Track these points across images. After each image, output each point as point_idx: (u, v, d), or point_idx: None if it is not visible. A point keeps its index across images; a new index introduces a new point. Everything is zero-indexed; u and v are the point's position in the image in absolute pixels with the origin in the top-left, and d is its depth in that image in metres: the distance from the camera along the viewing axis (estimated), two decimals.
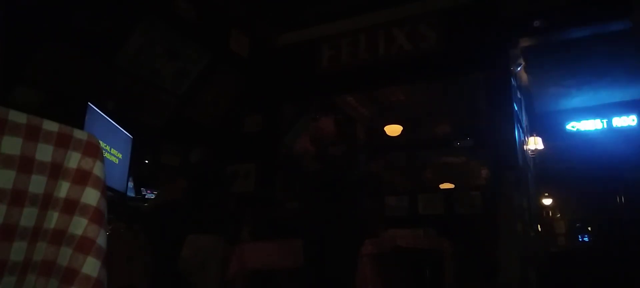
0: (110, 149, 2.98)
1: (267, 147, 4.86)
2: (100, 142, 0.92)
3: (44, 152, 0.82)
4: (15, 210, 0.78)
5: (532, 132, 5.95)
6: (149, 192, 3.89)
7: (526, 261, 3.77)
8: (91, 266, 0.82)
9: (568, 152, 6.76)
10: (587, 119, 6.99)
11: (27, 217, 0.79)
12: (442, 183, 6.96)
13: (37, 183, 0.81)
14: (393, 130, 6.89)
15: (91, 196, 0.86)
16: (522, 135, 4.93)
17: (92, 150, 0.88)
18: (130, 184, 3.56)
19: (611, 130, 6.81)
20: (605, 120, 6.90)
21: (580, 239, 8.16)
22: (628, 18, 3.63)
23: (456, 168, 6.36)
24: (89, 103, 2.79)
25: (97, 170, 0.87)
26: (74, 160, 0.86)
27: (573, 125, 7.11)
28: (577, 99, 6.62)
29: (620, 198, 7.10)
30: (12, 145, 0.78)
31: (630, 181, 6.53)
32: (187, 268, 3.13)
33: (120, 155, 3.16)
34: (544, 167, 6.45)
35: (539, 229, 5.74)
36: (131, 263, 2.65)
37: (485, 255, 3.83)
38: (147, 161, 4.43)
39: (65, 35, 3.22)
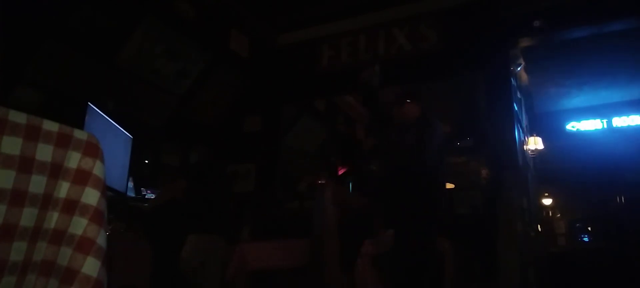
0: None
1: (267, 147, 4.86)
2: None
3: (44, 152, 0.82)
4: (15, 210, 0.78)
5: (532, 132, 5.95)
6: (149, 192, 3.89)
7: (526, 261, 3.77)
8: (91, 266, 0.82)
9: (568, 152, 6.76)
10: (587, 119, 7.00)
11: (27, 217, 0.79)
12: None
13: (37, 183, 0.81)
14: None
15: (91, 196, 0.86)
16: (522, 135, 4.93)
17: (92, 150, 0.88)
18: (130, 184, 3.56)
19: (611, 130, 6.82)
20: (605, 120, 6.90)
21: (580, 239, 8.16)
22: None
23: (456, 168, 6.36)
24: (89, 103, 2.79)
25: (97, 170, 0.88)
26: (74, 160, 0.86)
27: (573, 125, 7.12)
28: (577, 99, 6.63)
29: (620, 199, 7.10)
30: (12, 145, 0.78)
31: (630, 181, 6.53)
32: (187, 268, 3.12)
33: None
34: (544, 167, 6.45)
35: (539, 229, 5.74)
36: (131, 263, 2.64)
37: (485, 255, 3.82)
38: (147, 161, 4.43)
39: (66, 35, 3.22)
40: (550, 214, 8.58)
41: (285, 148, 5.36)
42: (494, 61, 4.06)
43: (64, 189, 0.84)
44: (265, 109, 4.99)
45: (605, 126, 6.90)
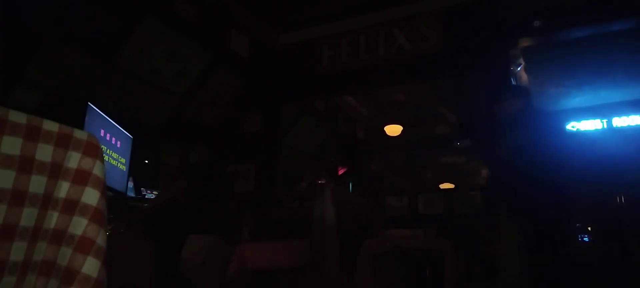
0: (113, 155, 2.98)
1: (267, 147, 4.86)
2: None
3: (44, 152, 0.82)
4: (15, 210, 0.78)
5: None
6: (149, 192, 3.90)
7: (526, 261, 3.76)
8: (91, 266, 0.82)
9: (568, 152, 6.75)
10: (587, 119, 6.99)
11: (27, 217, 0.79)
12: (442, 183, 6.97)
13: (37, 183, 0.81)
14: (393, 130, 6.90)
15: (91, 196, 0.86)
16: None
17: (92, 150, 0.88)
18: (130, 184, 3.57)
19: (611, 130, 6.81)
20: (605, 120, 6.90)
21: (580, 239, 8.15)
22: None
23: (456, 168, 6.37)
24: (89, 103, 2.79)
25: (97, 170, 0.87)
26: (74, 160, 0.86)
27: (573, 125, 7.11)
28: (577, 99, 6.63)
29: (621, 199, 7.09)
30: (12, 145, 0.78)
31: (630, 181, 6.52)
32: (187, 268, 3.12)
33: (123, 160, 3.17)
34: None
35: None
36: (131, 263, 2.64)
37: (485, 255, 3.82)
38: (147, 161, 4.43)
39: (65, 35, 3.22)
40: None
41: (285, 148, 5.36)
42: (494, 61, 4.06)
43: (64, 189, 0.84)
44: (265, 109, 4.99)
45: (605, 126, 6.89)
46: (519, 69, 4.48)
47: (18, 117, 0.80)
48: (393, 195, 5.44)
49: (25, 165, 0.79)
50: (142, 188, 3.86)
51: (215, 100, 4.67)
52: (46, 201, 0.82)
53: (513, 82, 4.28)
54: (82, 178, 0.86)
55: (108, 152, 2.97)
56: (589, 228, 8.06)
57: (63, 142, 0.84)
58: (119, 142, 3.19)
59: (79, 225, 0.84)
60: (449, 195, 5.29)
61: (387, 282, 3.56)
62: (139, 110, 4.04)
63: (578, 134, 7.04)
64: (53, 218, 0.83)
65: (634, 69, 5.55)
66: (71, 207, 0.84)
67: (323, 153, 6.51)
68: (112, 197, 3.03)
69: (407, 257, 3.69)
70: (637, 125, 6.69)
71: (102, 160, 0.90)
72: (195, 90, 4.39)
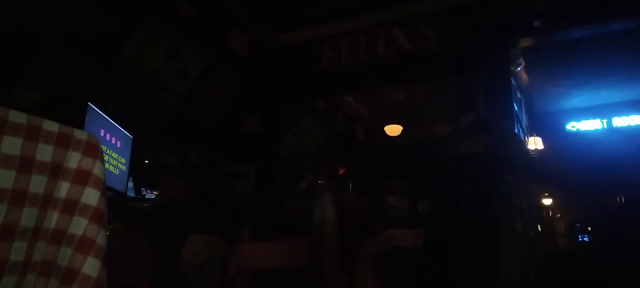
0: (113, 155, 2.98)
1: (267, 147, 4.86)
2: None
3: (44, 152, 0.82)
4: (15, 210, 0.78)
5: (532, 132, 5.95)
6: (149, 192, 3.89)
7: (526, 261, 3.77)
8: (91, 266, 0.82)
9: (568, 152, 6.76)
10: (587, 119, 7.00)
11: (27, 217, 0.79)
12: None
13: (37, 183, 0.81)
14: (393, 130, 6.91)
15: (91, 196, 0.86)
16: (522, 135, 4.93)
17: (92, 150, 0.88)
18: (130, 184, 3.57)
19: (611, 130, 6.82)
20: (605, 120, 6.90)
21: (580, 239, 8.15)
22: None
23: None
24: (89, 103, 2.79)
25: (97, 170, 0.88)
26: (74, 160, 0.86)
27: (573, 125, 7.12)
28: (577, 99, 6.63)
29: (620, 198, 7.10)
30: (12, 145, 0.78)
31: (630, 181, 6.52)
32: (187, 269, 3.12)
33: (123, 160, 3.17)
34: (544, 167, 6.45)
35: (539, 229, 5.74)
36: (131, 263, 2.64)
37: (485, 255, 3.82)
38: (147, 161, 4.43)
39: (65, 35, 3.22)
40: (550, 214, 8.59)
41: (285, 148, 5.36)
42: (494, 61, 4.06)
43: (64, 189, 0.84)
44: (265, 109, 4.99)
45: (605, 126, 6.90)
46: (519, 69, 4.49)
47: (18, 117, 0.80)
48: (393, 195, 5.44)
49: (25, 165, 0.79)
50: (142, 188, 3.85)
51: (215, 100, 4.67)
52: (46, 201, 0.82)
53: (513, 82, 4.28)
54: (82, 178, 0.86)
55: (108, 152, 2.97)
56: (589, 229, 8.07)
57: (63, 142, 0.84)
58: (119, 142, 3.19)
59: (79, 225, 0.84)
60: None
61: (387, 282, 3.56)
62: (139, 110, 4.04)
63: (578, 134, 7.05)
64: (53, 219, 0.83)
65: (634, 69, 5.55)
66: (71, 207, 0.84)
67: (323, 153, 6.51)
68: (112, 197, 3.03)
69: (407, 257, 3.69)
70: (637, 125, 6.70)
71: (102, 160, 0.90)
72: (195, 90, 4.38)
